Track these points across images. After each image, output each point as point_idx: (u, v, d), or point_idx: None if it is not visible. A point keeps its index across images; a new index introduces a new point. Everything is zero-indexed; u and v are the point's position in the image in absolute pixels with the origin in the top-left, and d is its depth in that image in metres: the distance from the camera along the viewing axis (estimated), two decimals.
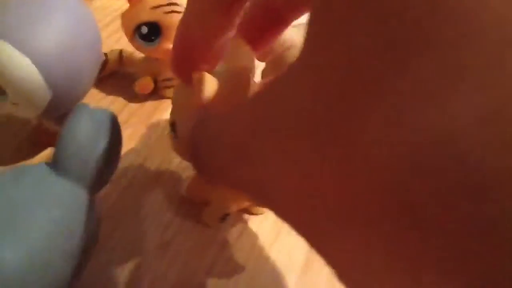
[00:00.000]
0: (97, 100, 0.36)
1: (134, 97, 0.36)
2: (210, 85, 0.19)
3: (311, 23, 0.11)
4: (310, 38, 0.11)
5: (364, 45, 0.09)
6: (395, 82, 0.08)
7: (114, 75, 0.38)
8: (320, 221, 0.10)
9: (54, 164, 0.20)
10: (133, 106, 0.36)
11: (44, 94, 0.26)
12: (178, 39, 0.21)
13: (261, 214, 0.29)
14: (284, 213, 0.12)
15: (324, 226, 0.10)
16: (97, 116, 0.21)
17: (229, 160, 0.14)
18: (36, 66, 0.25)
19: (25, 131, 0.33)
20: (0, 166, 0.30)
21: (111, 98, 0.36)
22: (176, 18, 0.31)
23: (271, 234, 0.29)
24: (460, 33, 0.08)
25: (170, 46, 0.33)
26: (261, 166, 0.12)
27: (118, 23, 0.36)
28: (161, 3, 0.31)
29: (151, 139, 0.34)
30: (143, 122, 0.35)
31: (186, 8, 0.19)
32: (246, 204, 0.28)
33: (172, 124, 0.23)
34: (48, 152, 0.31)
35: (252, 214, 0.29)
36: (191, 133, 0.18)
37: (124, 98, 0.36)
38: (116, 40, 0.41)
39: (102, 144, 0.20)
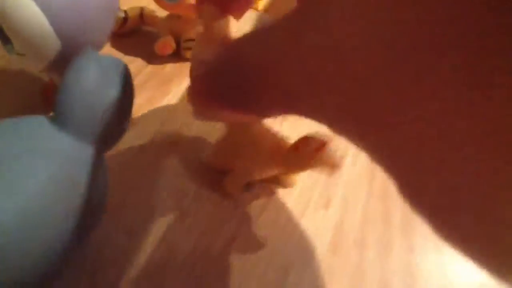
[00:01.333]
0: None
1: (154, 58, 0.34)
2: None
3: None
4: None
5: None
6: None
7: (134, 34, 0.35)
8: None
9: (56, 115, 0.17)
10: (153, 67, 0.33)
11: (52, 43, 0.23)
12: None
13: (289, 187, 0.26)
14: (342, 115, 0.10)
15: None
16: (105, 62, 0.18)
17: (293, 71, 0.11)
18: (42, 11, 0.22)
19: (35, 89, 0.30)
20: None
21: (129, 58, 0.33)
22: None
23: (296, 210, 0.26)
24: None
25: (194, 1, 0.30)
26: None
27: None
28: None
29: (170, 103, 0.31)
30: (163, 84, 0.32)
31: None
32: (271, 174, 0.25)
33: None
34: None
35: (279, 185, 0.26)
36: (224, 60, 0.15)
37: (143, 59, 0.33)
38: None
39: (110, 93, 0.17)
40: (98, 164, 0.18)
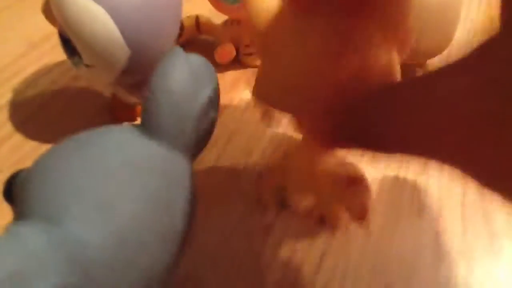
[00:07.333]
0: None
1: (213, 66, 0.32)
2: None
3: None
4: None
5: None
6: None
7: (190, 44, 0.34)
8: None
9: (143, 122, 0.15)
10: None
11: (122, 52, 0.22)
12: None
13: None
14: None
15: None
16: (194, 61, 0.16)
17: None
18: (112, 18, 0.21)
19: (97, 106, 0.29)
20: None
21: None
22: None
23: (389, 219, 0.23)
24: None
25: None
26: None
27: None
28: None
29: (235, 112, 0.29)
30: (226, 93, 0.30)
31: None
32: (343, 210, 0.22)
33: None
34: None
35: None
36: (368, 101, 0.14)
37: None
38: (190, 7, 0.37)
39: (202, 96, 0.16)
40: (190, 174, 0.16)
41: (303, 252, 0.22)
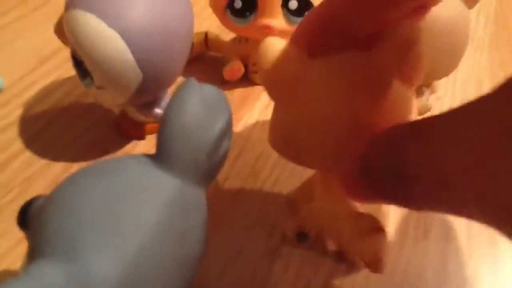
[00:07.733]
0: None
1: (221, 83, 0.32)
2: None
3: None
4: None
5: None
6: None
7: (199, 60, 0.34)
8: None
9: (158, 154, 0.16)
10: None
11: (133, 75, 0.22)
12: None
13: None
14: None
15: None
16: (208, 92, 0.16)
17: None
18: (124, 40, 0.21)
19: (106, 122, 0.29)
20: (83, 162, 0.27)
21: None
22: None
23: (394, 243, 0.24)
24: None
25: (266, 21, 0.28)
26: None
27: (199, 6, 0.34)
28: None
29: (244, 130, 0.29)
30: (235, 111, 0.30)
31: None
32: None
33: None
34: (132, 145, 0.28)
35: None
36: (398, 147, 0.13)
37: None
38: (199, 23, 0.37)
39: (215, 127, 0.16)
40: (203, 203, 0.16)
41: (308, 276, 0.22)
